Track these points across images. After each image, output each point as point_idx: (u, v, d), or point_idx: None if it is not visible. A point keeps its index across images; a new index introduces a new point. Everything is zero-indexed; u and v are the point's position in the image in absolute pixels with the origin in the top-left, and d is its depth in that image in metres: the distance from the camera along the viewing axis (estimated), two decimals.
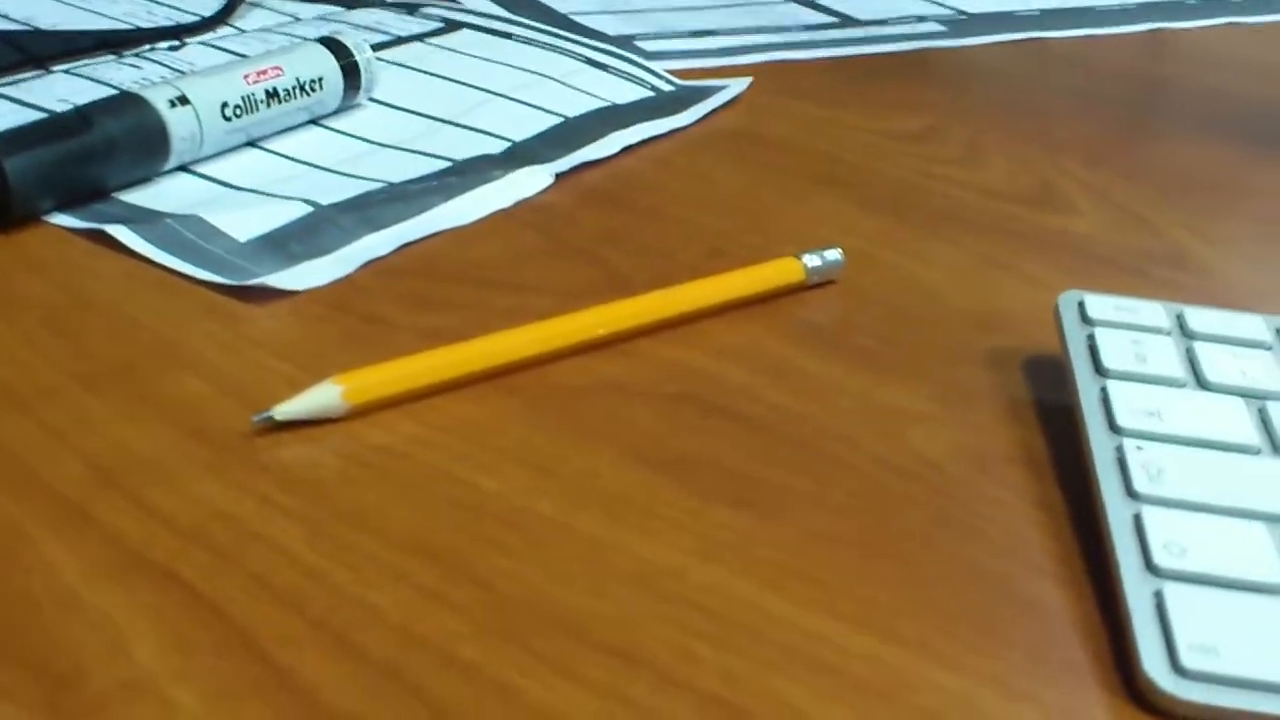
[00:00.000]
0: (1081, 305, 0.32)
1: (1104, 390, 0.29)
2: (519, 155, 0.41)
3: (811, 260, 0.35)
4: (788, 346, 0.33)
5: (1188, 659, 0.22)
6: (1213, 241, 0.41)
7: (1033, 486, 0.28)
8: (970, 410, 0.31)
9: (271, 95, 0.40)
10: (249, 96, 0.39)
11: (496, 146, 0.42)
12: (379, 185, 0.38)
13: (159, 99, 0.37)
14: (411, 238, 0.36)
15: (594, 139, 0.43)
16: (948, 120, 0.49)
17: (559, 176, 0.40)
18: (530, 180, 0.40)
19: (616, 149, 0.43)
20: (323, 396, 0.27)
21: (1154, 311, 0.32)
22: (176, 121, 0.37)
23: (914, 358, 0.33)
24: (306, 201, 0.37)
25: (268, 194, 0.37)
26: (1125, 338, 0.31)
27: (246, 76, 0.40)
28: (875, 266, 0.37)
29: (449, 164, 0.40)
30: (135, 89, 0.38)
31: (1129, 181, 0.45)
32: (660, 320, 0.32)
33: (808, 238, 0.38)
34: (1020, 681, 0.23)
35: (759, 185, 0.42)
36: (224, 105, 0.39)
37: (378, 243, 0.35)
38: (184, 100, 0.38)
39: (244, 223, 0.35)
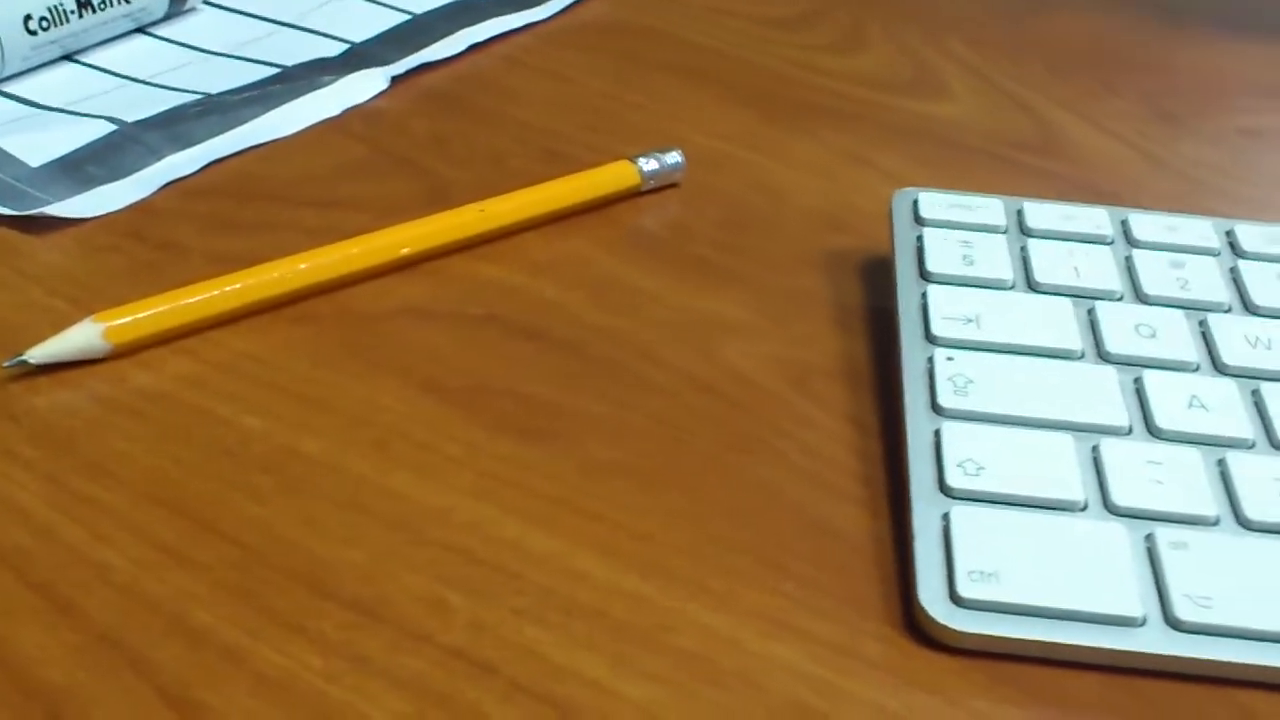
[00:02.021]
0: (915, 204, 0.30)
1: (924, 296, 0.27)
2: (356, 58, 0.39)
3: (647, 164, 0.33)
4: (612, 258, 0.31)
5: (964, 586, 0.21)
6: (1097, 124, 0.39)
7: (847, 402, 0.27)
8: (796, 320, 0.29)
9: (84, 4, 0.37)
10: (56, 7, 0.37)
11: (334, 49, 0.39)
12: (194, 97, 0.36)
13: None
14: (220, 154, 0.34)
15: (440, 37, 0.40)
16: (830, 2, 0.47)
17: (396, 80, 0.38)
18: (362, 85, 0.37)
19: (463, 47, 0.40)
20: (81, 337, 0.26)
21: (991, 208, 0.30)
22: None
23: (747, 265, 0.31)
24: (110, 119, 0.34)
25: (73, 112, 0.35)
26: (955, 238, 0.29)
27: None
28: (725, 166, 0.35)
29: (277, 70, 0.38)
30: None
31: (1014, 61, 0.43)
32: (474, 236, 0.30)
33: (658, 138, 0.36)
34: (793, 617, 0.22)
35: (616, 82, 0.39)
36: (27, 18, 0.36)
37: (183, 162, 0.33)
38: None
39: (40, 145, 0.33)
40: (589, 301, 0.29)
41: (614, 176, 0.33)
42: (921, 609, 0.21)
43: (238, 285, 0.27)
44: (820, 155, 0.36)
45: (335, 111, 0.36)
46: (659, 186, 0.34)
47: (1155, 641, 0.21)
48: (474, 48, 0.40)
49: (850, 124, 0.38)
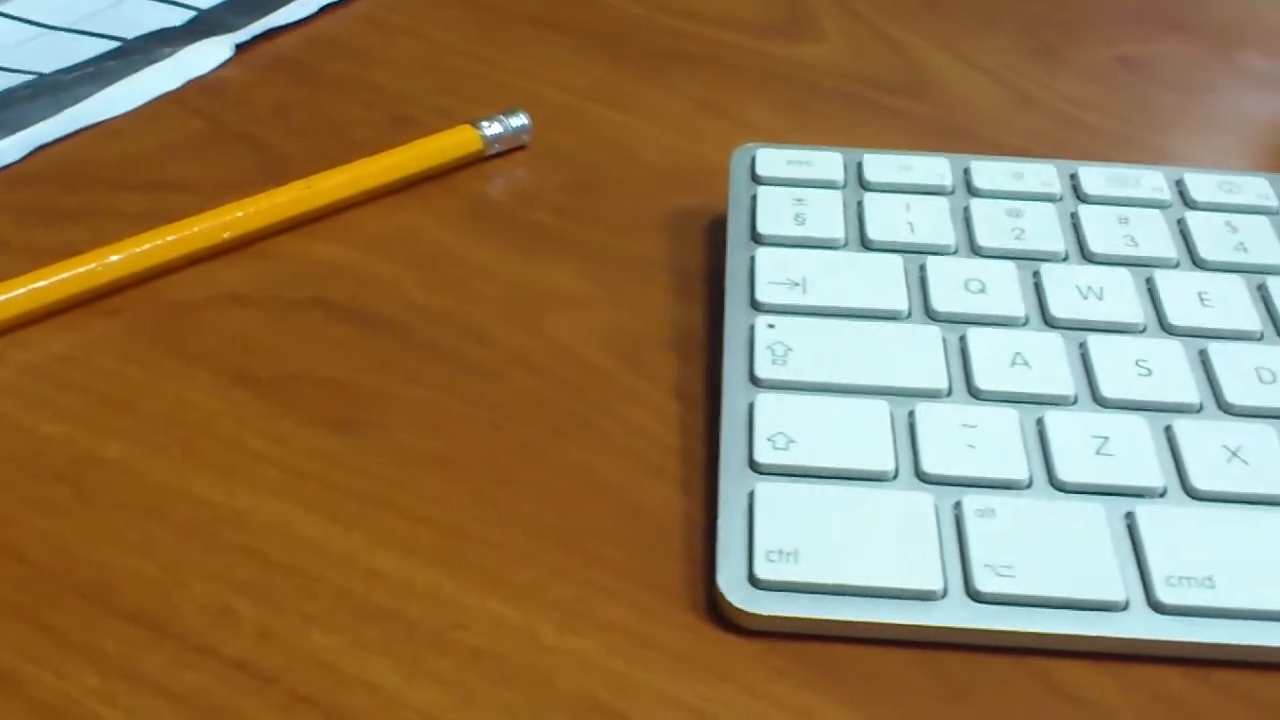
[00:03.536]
0: (754, 161, 0.29)
1: (752, 260, 0.27)
2: (202, 26, 0.37)
3: (490, 127, 0.32)
4: (449, 230, 0.30)
5: (762, 568, 0.21)
6: (970, 61, 0.38)
7: (676, 375, 0.26)
8: (632, 288, 0.28)
9: None
10: None
11: (180, 17, 0.38)
12: (27, 78, 0.35)
13: None
14: (49, 138, 0.32)
15: None
16: None
17: (242, 47, 0.37)
18: (204, 56, 0.36)
19: (315, 9, 0.39)
20: None
21: (830, 162, 0.29)
22: None
23: (588, 230, 0.30)
24: None
25: None
26: (789, 196, 0.28)
27: None
28: (576, 124, 0.34)
29: (117, 44, 0.36)
30: None
31: None
32: (301, 215, 0.29)
33: (512, 96, 0.35)
34: (594, 607, 0.21)
35: (473, 38, 0.38)
36: None
37: (8, 149, 0.32)
38: None
39: None
40: (419, 278, 0.28)
41: (454, 143, 0.32)
42: (719, 592, 0.21)
43: (44, 282, 0.26)
44: (677, 107, 0.35)
45: (174, 85, 0.35)
46: (506, 149, 0.33)
47: (955, 615, 0.20)
48: (329, 8, 0.39)
49: (712, 72, 0.37)
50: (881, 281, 0.26)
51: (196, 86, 0.35)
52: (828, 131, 0.34)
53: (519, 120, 0.33)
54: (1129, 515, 0.22)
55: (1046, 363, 0.24)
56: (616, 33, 0.39)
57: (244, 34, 0.37)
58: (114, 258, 0.27)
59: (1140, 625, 0.20)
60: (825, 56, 0.38)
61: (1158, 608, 0.20)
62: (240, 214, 0.29)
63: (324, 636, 0.20)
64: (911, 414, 0.23)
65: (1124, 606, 0.20)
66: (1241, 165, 0.34)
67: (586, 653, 0.20)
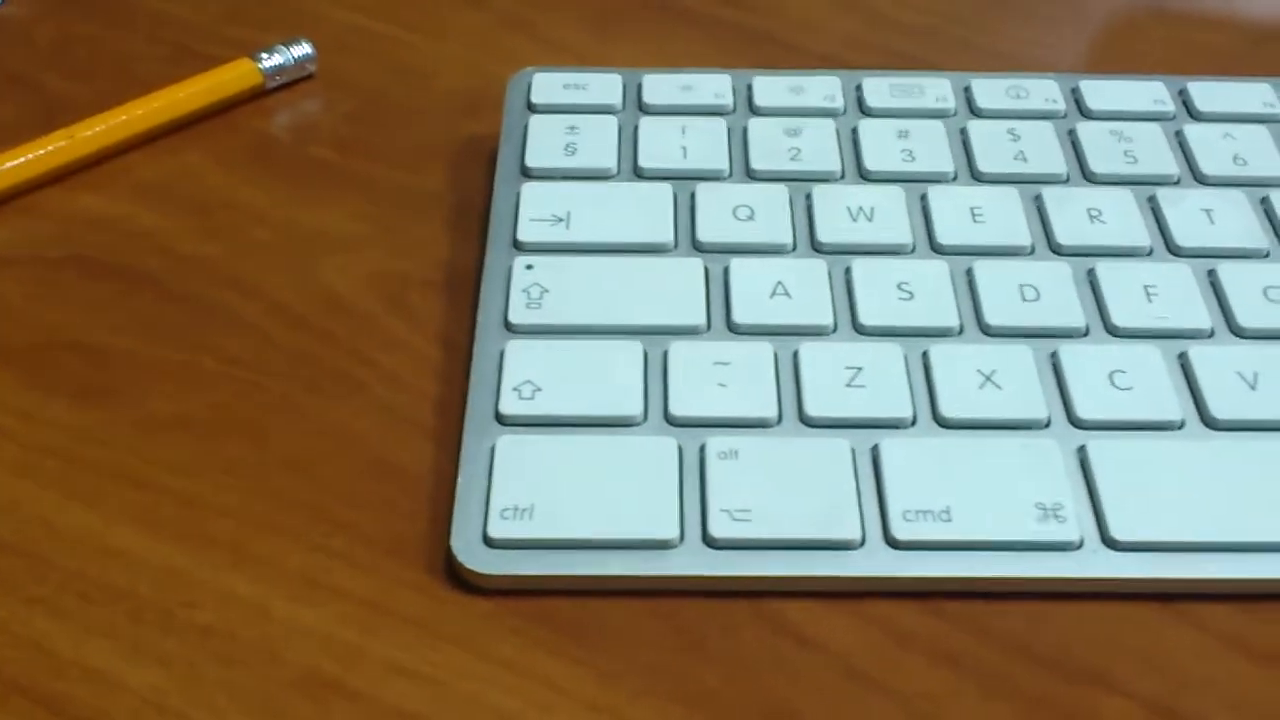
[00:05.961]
0: (529, 87, 0.28)
1: (517, 196, 0.26)
2: None
3: (270, 59, 0.31)
4: (223, 172, 0.29)
5: (496, 526, 0.20)
6: None
7: (443, 320, 0.25)
8: (408, 226, 0.27)
9: None
10: None
11: None
12: None
13: None
14: None
15: None
16: None
17: None
18: None
19: None
20: None
21: (607, 85, 0.28)
22: None
23: (370, 165, 0.29)
24: None
25: None
26: (561, 125, 0.27)
27: None
28: (367, 48, 0.33)
29: None
30: None
31: None
32: (64, 166, 0.28)
33: (303, 20, 0.34)
34: (330, 576, 0.21)
35: None
36: None
37: None
38: None
39: None
40: (188, 228, 0.27)
41: (230, 79, 0.30)
42: (451, 553, 0.20)
43: None
44: (478, 27, 0.34)
45: None
46: (291, 80, 0.31)
47: (688, 563, 0.20)
48: None
49: None
50: (649, 213, 0.25)
51: None
52: (636, 46, 0.33)
53: (302, 49, 0.31)
54: (875, 449, 0.21)
55: (807, 291, 0.24)
56: None
57: None
58: None
59: (874, 562, 0.20)
60: None
61: (892, 543, 0.20)
62: None
63: (48, 621, 0.20)
64: (665, 354, 0.23)
65: (860, 544, 0.20)
66: (1064, 62, 0.33)
67: (317, 625, 0.20)
